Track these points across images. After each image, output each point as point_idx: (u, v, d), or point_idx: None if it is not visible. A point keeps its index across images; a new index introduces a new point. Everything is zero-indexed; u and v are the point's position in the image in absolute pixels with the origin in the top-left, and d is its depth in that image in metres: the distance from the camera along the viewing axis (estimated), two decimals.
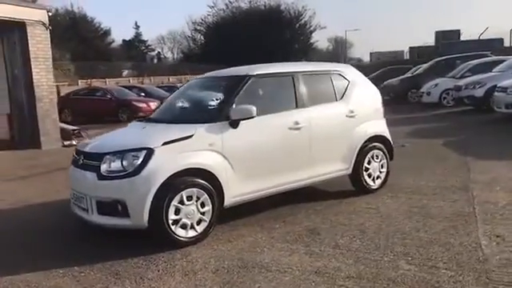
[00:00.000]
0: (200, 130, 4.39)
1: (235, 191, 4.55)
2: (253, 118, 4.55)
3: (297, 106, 5.12)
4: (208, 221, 4.35)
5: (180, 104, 5.30)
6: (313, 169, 5.18)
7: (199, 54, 54.42)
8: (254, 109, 4.51)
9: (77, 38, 47.79)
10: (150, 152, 4.09)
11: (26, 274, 3.81)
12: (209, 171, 4.32)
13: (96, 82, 31.17)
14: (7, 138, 11.46)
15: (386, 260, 3.71)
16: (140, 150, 4.12)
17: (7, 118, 11.52)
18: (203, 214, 4.31)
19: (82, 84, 28.13)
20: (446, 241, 4.03)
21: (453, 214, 4.77)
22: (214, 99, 4.90)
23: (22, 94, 11.19)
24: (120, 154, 4.15)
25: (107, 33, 56.49)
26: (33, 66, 11.02)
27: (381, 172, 5.83)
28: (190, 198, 4.22)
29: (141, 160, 4.06)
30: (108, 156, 4.18)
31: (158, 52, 65.77)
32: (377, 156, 5.78)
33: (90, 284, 3.59)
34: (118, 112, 18.98)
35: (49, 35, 11.51)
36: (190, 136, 4.31)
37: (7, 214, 5.81)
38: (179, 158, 4.19)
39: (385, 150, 5.87)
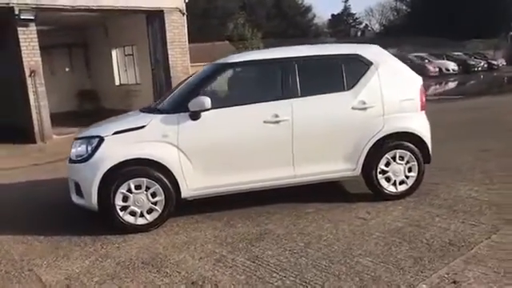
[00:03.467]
0: (154, 121, 4.40)
1: (195, 184, 4.45)
2: (208, 110, 4.33)
3: (282, 98, 4.60)
4: (160, 211, 4.39)
5: (172, 93, 5.35)
6: (298, 167, 4.63)
7: (402, 25, 51.85)
8: (207, 100, 4.28)
9: (279, 16, 50.96)
10: (100, 140, 4.34)
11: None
12: (159, 162, 4.32)
13: None
14: None
15: (287, 285, 3.18)
16: (94, 137, 4.40)
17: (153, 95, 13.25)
18: (155, 203, 4.37)
19: None
20: None
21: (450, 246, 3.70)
22: (190, 89, 4.76)
23: (162, 74, 12.68)
24: (83, 140, 4.51)
25: (308, 9, 58.66)
26: (169, 50, 12.34)
27: (407, 177, 4.81)
28: (139, 187, 4.32)
29: (92, 147, 4.34)
30: (77, 141, 4.58)
31: (366, 25, 64.95)
32: (401, 157, 4.78)
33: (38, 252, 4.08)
34: None
35: (185, 20, 12.65)
36: (142, 127, 4.37)
37: None
38: (127, 148, 4.31)
39: (415, 151, 4.80)
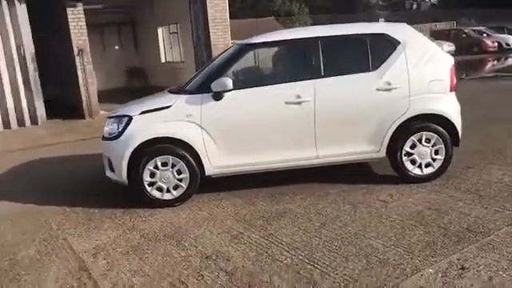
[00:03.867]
0: (179, 101, 4.56)
1: (218, 162, 4.60)
2: (230, 91, 4.42)
3: (304, 78, 4.61)
4: (185, 187, 4.59)
5: (200, 74, 5.44)
6: (321, 148, 4.66)
7: None
8: (229, 81, 4.37)
9: None
10: (129, 119, 4.56)
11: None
12: (184, 141, 4.50)
13: None
14: None
15: (295, 263, 3.30)
16: (124, 116, 4.63)
17: None
18: (180, 180, 4.57)
19: None
20: None
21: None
22: (213, 70, 4.86)
23: (204, 52, 12.85)
24: (114, 119, 4.75)
25: None
26: (211, 28, 12.45)
27: (434, 159, 4.73)
28: (165, 164, 4.53)
29: (122, 126, 4.57)
30: (109, 120, 4.84)
31: None
32: (428, 139, 4.69)
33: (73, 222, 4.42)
34: None
35: None
36: (168, 107, 4.54)
37: None
38: (153, 127, 4.51)
39: (443, 133, 4.69)
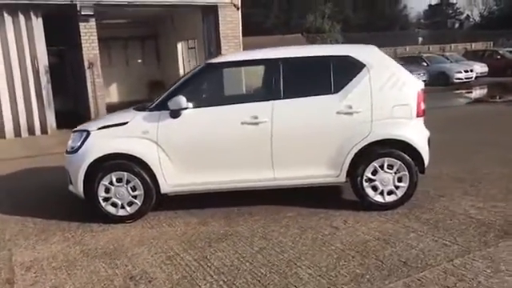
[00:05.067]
0: (137, 118, 4.59)
1: (173, 180, 4.59)
2: (186, 109, 4.42)
3: (263, 99, 4.56)
4: (140, 204, 4.59)
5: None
6: (278, 170, 4.56)
7: (503, 17, 48.10)
8: (183, 100, 4.37)
9: (366, 7, 50.02)
10: (88, 134, 4.63)
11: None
12: (138, 157, 4.51)
13: None
14: None
15: None
16: (83, 131, 4.71)
17: None
18: (135, 197, 4.58)
19: None
20: None
21: None
22: (173, 88, 4.84)
23: None
24: (76, 133, 4.83)
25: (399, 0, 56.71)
26: (222, 44, 12.60)
27: (397, 187, 4.54)
28: (120, 180, 4.56)
29: (81, 140, 4.64)
30: (72, 134, 4.92)
31: (467, 15, 60.78)
32: (390, 166, 4.52)
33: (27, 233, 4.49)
34: None
35: (239, 15, 12.80)
36: (125, 123, 4.58)
37: None
38: (109, 143, 4.55)
39: (407, 160, 4.51)
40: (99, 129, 4.62)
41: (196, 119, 4.52)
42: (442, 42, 38.13)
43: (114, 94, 17.99)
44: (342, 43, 36.61)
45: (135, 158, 4.51)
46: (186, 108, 4.41)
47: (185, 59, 17.22)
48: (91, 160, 4.51)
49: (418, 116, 4.57)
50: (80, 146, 4.62)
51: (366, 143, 4.47)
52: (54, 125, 11.25)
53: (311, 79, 4.69)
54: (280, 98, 4.52)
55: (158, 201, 4.71)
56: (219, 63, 4.77)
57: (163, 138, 4.50)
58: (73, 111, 12.94)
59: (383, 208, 4.56)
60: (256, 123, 4.47)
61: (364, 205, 4.60)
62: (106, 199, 4.59)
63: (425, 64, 22.13)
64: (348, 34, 39.13)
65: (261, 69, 4.68)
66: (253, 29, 42.86)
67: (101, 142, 4.56)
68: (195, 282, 3.30)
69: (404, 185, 4.54)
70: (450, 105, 14.20)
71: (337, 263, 3.48)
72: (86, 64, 11.04)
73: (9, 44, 10.56)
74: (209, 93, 4.85)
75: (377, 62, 4.63)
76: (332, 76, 4.58)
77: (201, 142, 4.53)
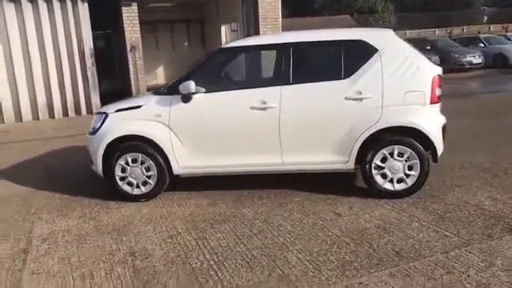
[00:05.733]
0: (150, 102, 4.76)
1: (185, 163, 4.74)
2: (194, 93, 4.53)
3: (273, 84, 4.58)
4: (153, 184, 4.80)
5: None
6: (287, 155, 4.60)
7: None
8: (192, 85, 4.48)
9: None
10: (106, 116, 4.87)
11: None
12: (151, 140, 4.70)
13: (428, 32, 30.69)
14: None
15: (201, 268, 3.36)
16: (102, 113, 4.95)
17: None
18: (149, 177, 4.80)
19: None
20: None
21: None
22: (186, 72, 4.95)
23: None
24: (97, 115, 5.09)
25: None
26: (261, 26, 12.59)
27: (407, 175, 4.45)
28: (135, 160, 4.78)
29: (100, 122, 4.90)
30: (94, 116, 5.19)
31: None
32: (400, 153, 4.42)
33: (51, 208, 4.84)
34: None
35: None
36: (139, 106, 4.77)
37: None
38: (124, 125, 4.76)
39: (418, 148, 4.39)
40: (117, 111, 4.84)
41: (206, 103, 4.62)
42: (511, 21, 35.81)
43: (160, 77, 18.50)
44: (395, 23, 35.39)
45: (148, 140, 4.70)
46: (195, 92, 4.52)
47: (228, 41, 17.35)
48: (109, 140, 4.75)
49: (432, 103, 4.42)
50: (99, 128, 4.87)
51: (375, 130, 4.39)
52: (99, 105, 11.77)
53: (322, 64, 4.66)
54: (289, 84, 4.52)
55: (171, 181, 4.89)
56: (231, 48, 4.83)
57: (175, 121, 4.65)
58: (117, 92, 13.44)
59: (393, 196, 4.49)
60: (264, 108, 4.51)
61: (373, 192, 4.54)
62: (122, 178, 4.83)
63: (482, 45, 20.95)
64: (403, 14, 37.68)
65: (273, 54, 4.68)
66: (303, 9, 42.31)
67: (117, 124, 4.79)
68: (187, 261, 3.45)
69: (415, 173, 4.43)
70: (501, 89, 13.41)
71: (329, 249, 3.50)
72: (128, 47, 11.43)
73: (57, 28, 11.13)
74: (220, 77, 4.92)
75: (390, 46, 4.50)
76: (343, 61, 4.50)
77: (210, 126, 4.64)
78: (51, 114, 11.40)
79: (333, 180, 5.02)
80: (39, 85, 11.19)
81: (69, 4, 11.19)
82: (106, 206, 4.79)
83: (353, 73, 4.46)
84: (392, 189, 4.49)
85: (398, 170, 4.44)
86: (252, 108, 4.52)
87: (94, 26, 11.78)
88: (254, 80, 4.81)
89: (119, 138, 4.74)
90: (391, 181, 4.48)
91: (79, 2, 11.26)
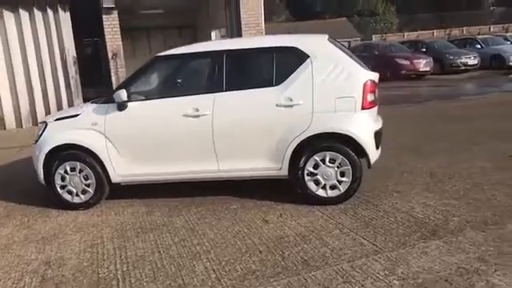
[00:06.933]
0: (87, 110, 4.81)
1: (122, 171, 4.76)
2: (126, 102, 4.56)
3: (206, 92, 4.58)
4: (92, 192, 4.84)
5: None
6: (222, 162, 4.59)
7: None
8: (123, 93, 4.51)
9: None
10: (46, 125, 4.92)
11: None
12: (88, 148, 4.73)
13: (427, 34, 30.58)
14: None
15: (103, 277, 3.38)
16: (43, 122, 5.01)
17: None
18: (88, 185, 4.83)
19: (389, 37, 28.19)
20: None
21: None
22: (123, 81, 5.00)
23: None
24: (41, 124, 5.14)
25: None
26: (243, 31, 12.61)
27: (339, 181, 4.42)
28: (73, 169, 4.81)
29: (41, 131, 4.95)
30: (39, 124, 5.24)
31: None
32: (332, 160, 4.39)
33: None
34: (381, 70, 18.52)
35: (261, 2, 12.71)
36: (77, 115, 4.81)
37: None
38: (61, 134, 4.80)
39: (349, 154, 4.36)
40: (55, 120, 4.89)
41: (141, 111, 4.65)
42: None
43: None
44: (397, 25, 35.16)
45: (85, 148, 4.73)
46: (126, 101, 4.55)
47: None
48: (48, 149, 4.79)
49: (363, 108, 4.38)
50: (39, 136, 4.92)
51: (305, 136, 4.37)
52: None
53: (254, 71, 4.65)
54: (222, 91, 4.52)
55: (111, 189, 4.92)
56: (166, 56, 4.84)
57: (110, 129, 4.67)
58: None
59: (326, 203, 4.46)
60: (197, 116, 4.51)
61: (306, 199, 4.51)
62: (62, 187, 4.86)
63: (479, 46, 20.74)
64: (404, 15, 37.36)
65: (208, 61, 4.69)
66: (305, 12, 42.30)
67: (55, 133, 4.83)
68: (97, 270, 3.46)
69: (347, 180, 4.40)
70: (489, 91, 13.24)
71: (240, 258, 3.49)
72: (109, 55, 11.53)
73: (39, 37, 11.27)
74: (155, 85, 4.95)
75: (322, 52, 4.48)
76: (275, 68, 4.50)
77: (145, 134, 4.66)
78: (34, 122, 11.51)
79: (278, 185, 4.97)
80: (22, 93, 11.32)
81: (50, 13, 11.33)
82: (47, 214, 4.83)
83: (284, 79, 4.44)
84: (325, 195, 4.46)
85: (331, 176, 4.41)
86: (185, 115, 4.53)
87: (83, 34, 11.91)
88: (187, 88, 4.80)
89: (56, 147, 4.77)
90: (324, 187, 4.45)
91: (60, 11, 11.41)
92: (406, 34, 28.61)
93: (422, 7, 45.15)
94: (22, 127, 11.43)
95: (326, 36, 4.70)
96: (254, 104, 4.48)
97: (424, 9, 44.70)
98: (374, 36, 29.24)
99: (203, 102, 4.52)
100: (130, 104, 4.63)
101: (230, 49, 4.65)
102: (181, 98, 4.64)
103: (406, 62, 17.99)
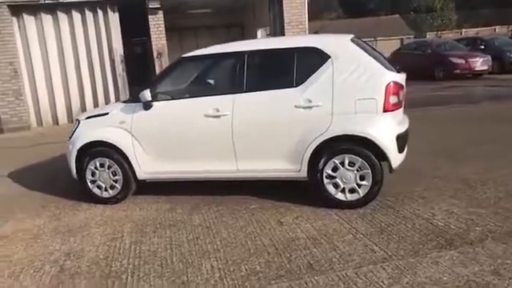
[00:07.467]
0: (116, 109, 5.00)
1: (147, 168, 4.93)
2: (151, 101, 4.70)
3: (226, 92, 4.63)
4: (120, 187, 5.04)
5: None
6: (241, 162, 4.63)
7: None
8: (147, 93, 4.65)
9: None
10: (78, 123, 5.18)
11: None
12: (116, 146, 4.93)
13: (488, 31, 29.11)
14: None
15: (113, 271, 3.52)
16: (76, 120, 5.27)
17: None
18: (115, 181, 5.04)
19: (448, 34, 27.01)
20: None
21: None
22: (150, 81, 5.14)
23: None
24: (75, 121, 5.42)
25: None
26: (286, 30, 12.58)
27: (359, 185, 4.33)
28: (102, 165, 5.04)
29: (74, 128, 5.22)
30: (74, 122, 5.53)
31: None
32: (352, 163, 4.31)
33: (30, 207, 5.22)
34: (433, 69, 17.86)
35: (305, 0, 12.62)
36: (106, 113, 5.02)
37: None
38: (92, 131, 5.03)
39: (369, 157, 4.26)
40: (87, 118, 5.14)
41: (165, 111, 4.78)
42: None
43: None
44: (456, 21, 33.49)
45: (113, 145, 4.93)
46: (151, 101, 4.69)
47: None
48: (79, 146, 5.04)
49: (385, 111, 4.26)
50: (73, 134, 5.19)
51: (324, 138, 4.31)
52: None
53: (275, 72, 4.63)
54: (242, 92, 4.56)
55: (138, 186, 5.10)
56: (191, 57, 4.94)
57: (136, 128, 4.84)
58: None
59: (345, 206, 4.38)
60: (218, 116, 4.58)
61: (325, 202, 4.45)
62: (92, 182, 5.10)
63: (482, 47, 19.15)
64: (464, 11, 35.61)
65: (230, 62, 4.74)
66: (358, 9, 41.41)
67: (86, 130, 5.08)
68: (110, 263, 3.61)
69: (367, 183, 4.30)
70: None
71: (247, 259, 3.51)
72: (154, 54, 11.89)
73: (89, 38, 11.83)
74: (180, 85, 5.06)
75: (344, 53, 4.40)
76: (295, 68, 4.47)
77: (168, 133, 4.79)
78: None
79: (297, 188, 4.94)
80: (74, 91, 11.94)
81: (100, 14, 11.86)
82: (78, 208, 5.09)
83: (304, 80, 4.41)
84: (344, 199, 4.38)
85: (350, 179, 4.33)
86: (206, 116, 4.61)
87: (131, 34, 12.36)
88: (209, 88, 4.87)
89: (87, 143, 5.01)
90: (343, 191, 4.37)
91: (110, 12, 11.90)
92: (464, 30, 27.25)
93: (482, 3, 42.89)
94: (72, 122, 12.03)
95: (350, 36, 4.61)
96: (273, 105, 4.48)
97: (485, 5, 42.43)
98: (428, 33, 28.12)
99: (223, 102, 4.57)
100: (155, 103, 4.77)
101: (252, 50, 4.67)
102: (202, 98, 4.73)
103: (461, 61, 17.13)
